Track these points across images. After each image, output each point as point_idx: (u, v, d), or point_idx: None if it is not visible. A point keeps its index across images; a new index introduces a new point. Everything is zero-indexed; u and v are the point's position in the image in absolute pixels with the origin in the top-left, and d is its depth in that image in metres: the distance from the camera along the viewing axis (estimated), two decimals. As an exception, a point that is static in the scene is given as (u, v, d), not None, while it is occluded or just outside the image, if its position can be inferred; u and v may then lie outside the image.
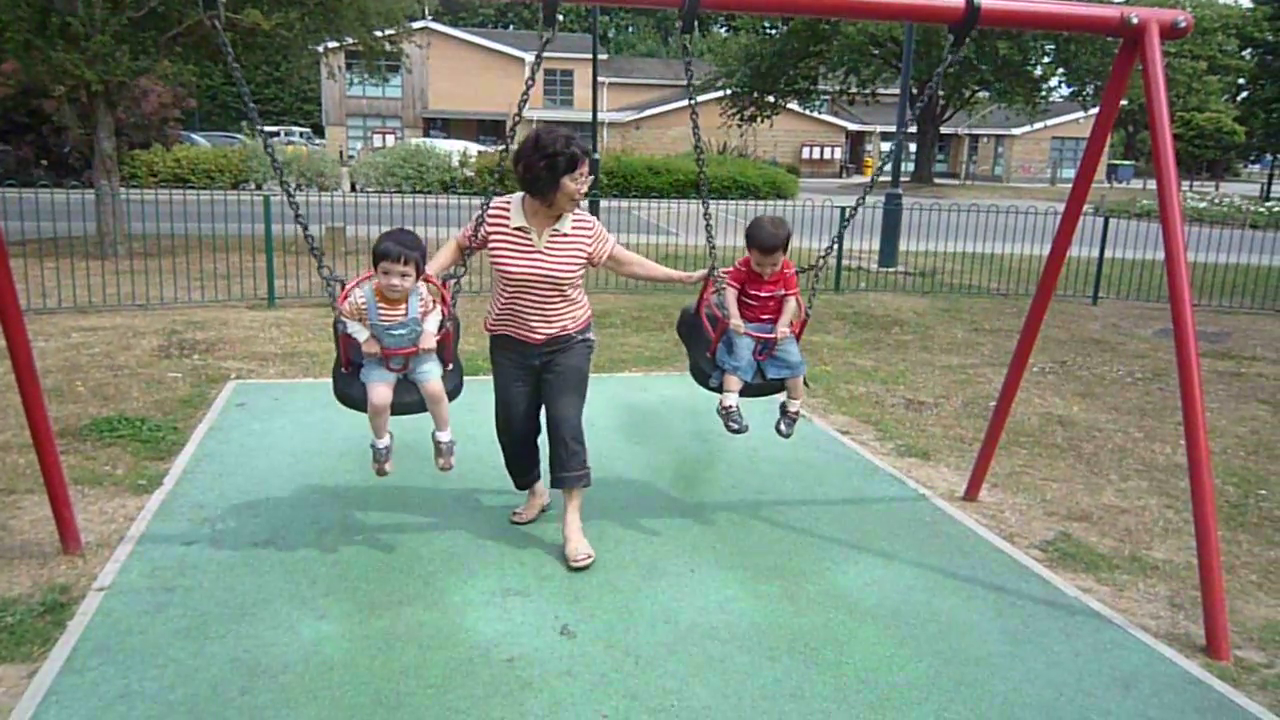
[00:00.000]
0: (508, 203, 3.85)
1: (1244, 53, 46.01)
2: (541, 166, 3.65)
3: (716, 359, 4.02)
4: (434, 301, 3.65)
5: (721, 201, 22.46)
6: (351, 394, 3.72)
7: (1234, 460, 5.73)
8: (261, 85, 50.14)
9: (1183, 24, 3.57)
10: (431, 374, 3.67)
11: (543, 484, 4.45)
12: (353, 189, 23.35)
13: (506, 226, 3.81)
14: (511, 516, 4.41)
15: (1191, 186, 41.34)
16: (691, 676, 3.15)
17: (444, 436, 3.80)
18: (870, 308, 10.48)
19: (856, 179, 46.25)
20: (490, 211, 3.83)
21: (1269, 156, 39.70)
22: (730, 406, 3.98)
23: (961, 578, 3.98)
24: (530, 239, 3.81)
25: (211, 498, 4.47)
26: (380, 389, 3.62)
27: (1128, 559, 4.29)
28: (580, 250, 3.87)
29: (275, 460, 5.01)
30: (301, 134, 44.92)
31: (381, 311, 3.56)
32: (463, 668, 3.15)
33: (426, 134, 39.07)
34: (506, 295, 3.88)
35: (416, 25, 20.55)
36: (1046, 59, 36.49)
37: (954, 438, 5.96)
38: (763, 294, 4.02)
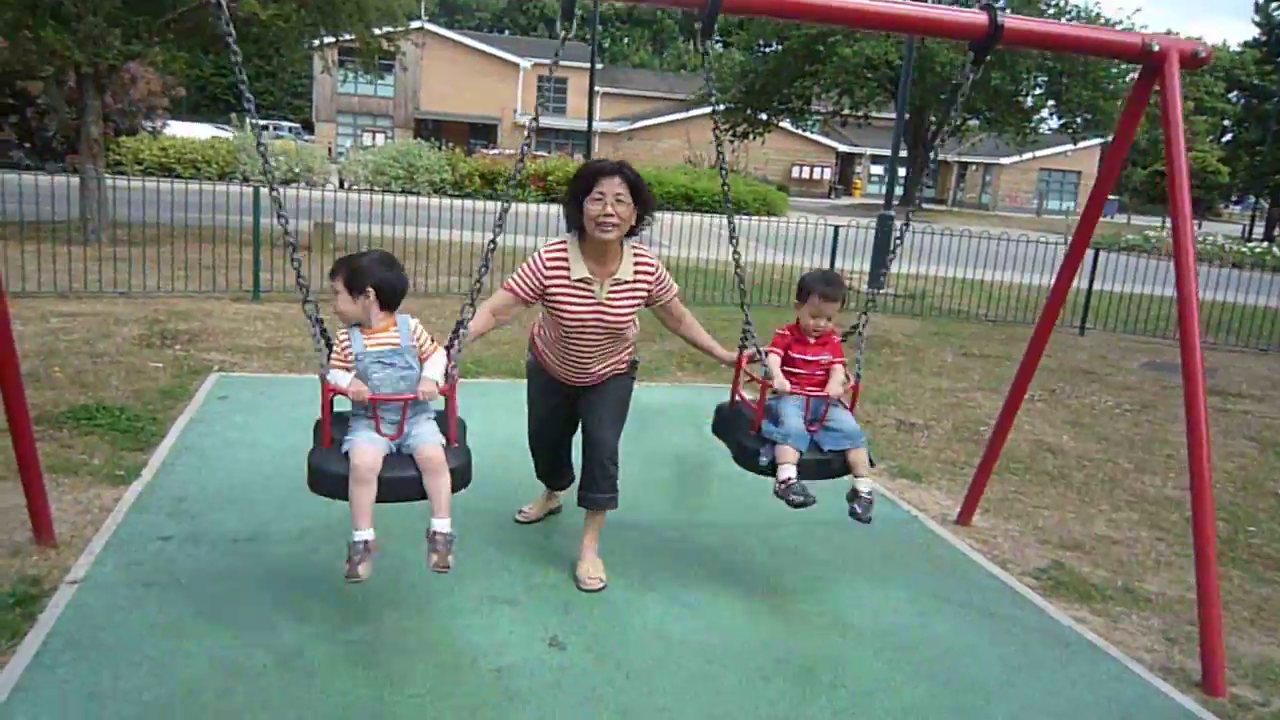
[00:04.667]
0: (564, 249, 3.51)
1: (1230, 95, 46.75)
2: (569, 193, 3.45)
3: (763, 432, 3.53)
4: (434, 344, 3.18)
5: (711, 216, 22.42)
6: (331, 468, 3.00)
7: (1223, 496, 5.71)
8: (252, 78, 49.03)
9: (1203, 54, 3.55)
10: (430, 438, 3.06)
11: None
12: (341, 186, 23.19)
13: (568, 277, 3.50)
14: (516, 515, 4.33)
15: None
16: (684, 694, 3.07)
17: (443, 527, 3.01)
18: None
19: (845, 200, 46.47)
20: (549, 258, 3.50)
21: (1252, 199, 40.19)
22: (788, 480, 3.39)
23: (956, 602, 3.92)
24: (592, 289, 3.52)
25: (191, 491, 4.35)
26: (366, 450, 2.96)
27: (1121, 590, 4.25)
28: (642, 294, 3.63)
29: (257, 455, 4.89)
30: (291, 129, 44.65)
31: (368, 340, 3.09)
32: (448, 678, 3.06)
33: (417, 135, 38.91)
34: (561, 338, 3.65)
35: (413, 25, 20.44)
36: (1038, 90, 36.81)
37: (945, 461, 5.92)
38: (809, 357, 3.63)
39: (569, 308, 3.52)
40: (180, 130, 26.09)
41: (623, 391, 3.86)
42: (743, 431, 3.61)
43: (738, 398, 3.84)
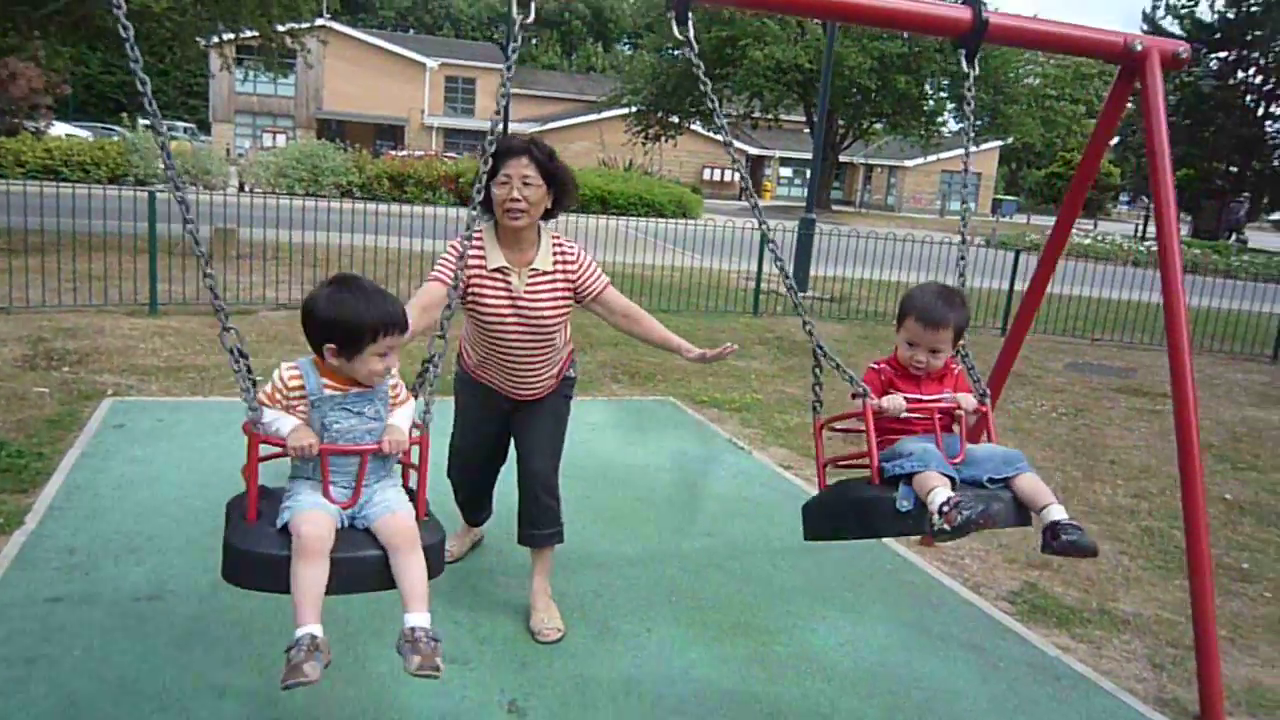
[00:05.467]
0: (481, 237, 3.20)
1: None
2: (483, 176, 2.83)
3: (887, 471, 2.65)
4: (407, 394, 2.54)
5: (625, 219, 22.20)
6: (261, 550, 2.25)
7: (1174, 502, 5.65)
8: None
9: (1184, 55, 3.39)
10: (397, 505, 2.37)
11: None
12: (241, 189, 22.15)
13: (484, 267, 3.19)
14: None
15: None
16: (665, 764, 2.74)
17: (421, 621, 2.29)
18: (791, 332, 10.30)
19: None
20: (474, 245, 3.13)
21: (1144, 198, 41.96)
22: (949, 499, 2.48)
23: (936, 635, 3.68)
24: (510, 280, 3.20)
25: (83, 540, 3.82)
26: (314, 516, 2.25)
27: (1097, 612, 4.08)
28: (563, 286, 3.27)
29: (160, 494, 4.37)
30: (186, 129, 42.77)
31: (328, 387, 2.37)
32: (396, 758, 2.66)
33: (321, 135, 37.64)
34: (485, 341, 3.30)
35: (316, 22, 19.63)
36: (943, 94, 37.70)
37: (898, 474, 5.72)
38: (925, 397, 2.78)
39: (485, 301, 3.20)
40: (61, 132, 24.64)
41: (557, 413, 3.52)
42: (860, 490, 2.73)
43: (822, 458, 2.95)
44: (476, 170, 2.76)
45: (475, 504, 3.87)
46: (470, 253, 3.10)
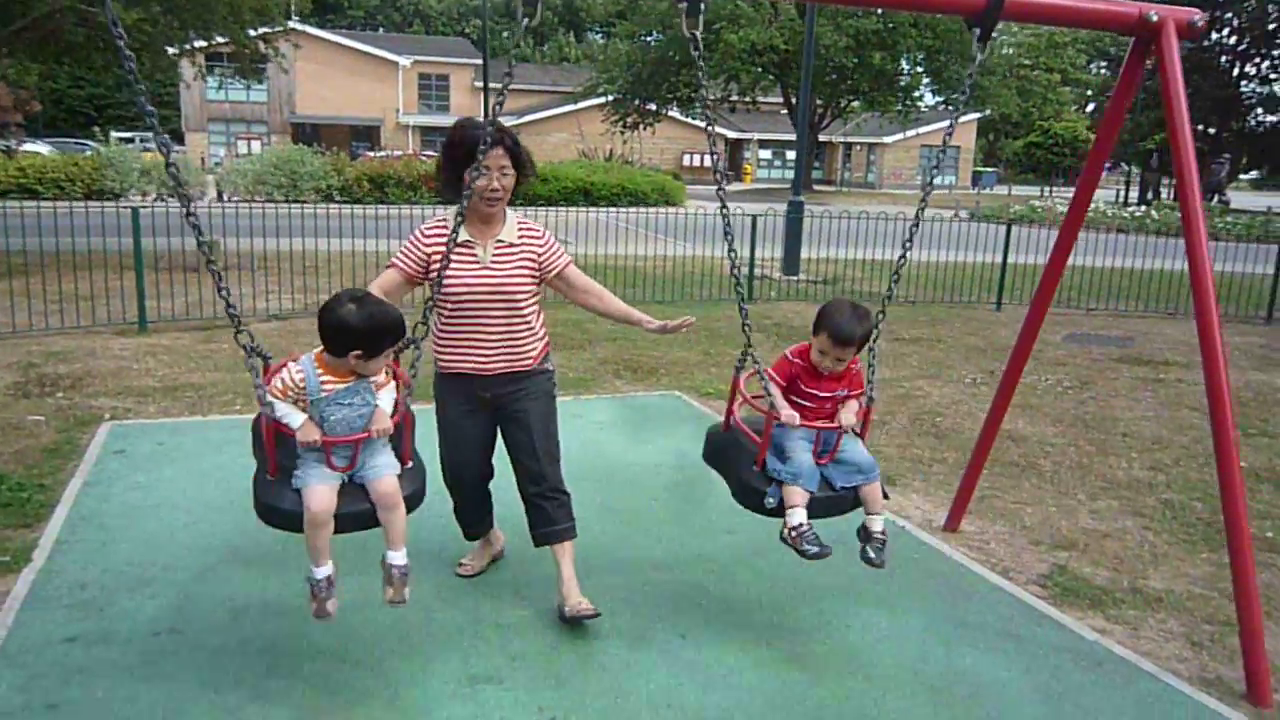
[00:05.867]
0: (444, 220, 3.35)
1: (1091, 66, 48.86)
2: (445, 162, 3.29)
3: (768, 469, 3.13)
4: (386, 373, 2.91)
5: (611, 210, 22.05)
6: (282, 506, 2.78)
7: (1190, 473, 5.63)
8: (112, 89, 47.04)
9: (1200, 23, 3.32)
10: (385, 470, 2.85)
11: (497, 529, 3.90)
12: (219, 198, 21.91)
13: (452, 241, 3.18)
14: (457, 569, 3.85)
15: (1052, 192, 43.38)
16: (715, 778, 2.67)
17: (398, 559, 2.87)
18: (788, 318, 10.23)
19: (737, 186, 46.70)
20: (428, 230, 3.36)
21: (1124, 165, 42.07)
22: (800, 527, 3.05)
23: (973, 625, 3.63)
24: (475, 252, 3.32)
25: (94, 574, 3.72)
26: (320, 492, 2.74)
27: (1129, 591, 4.04)
28: (529, 258, 3.39)
29: (168, 521, 4.26)
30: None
31: (326, 382, 2.77)
32: (440, 788, 2.59)
33: (296, 140, 37.28)
34: (456, 321, 3.35)
35: (288, 24, 19.38)
36: (919, 69, 37.61)
37: (912, 459, 5.67)
38: (822, 394, 3.19)
39: (454, 275, 3.26)
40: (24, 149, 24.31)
41: (545, 414, 3.51)
42: (745, 467, 3.20)
43: (733, 421, 3.38)
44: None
45: (473, 512, 3.75)
46: (432, 233, 3.32)
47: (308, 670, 3.11)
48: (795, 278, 13.42)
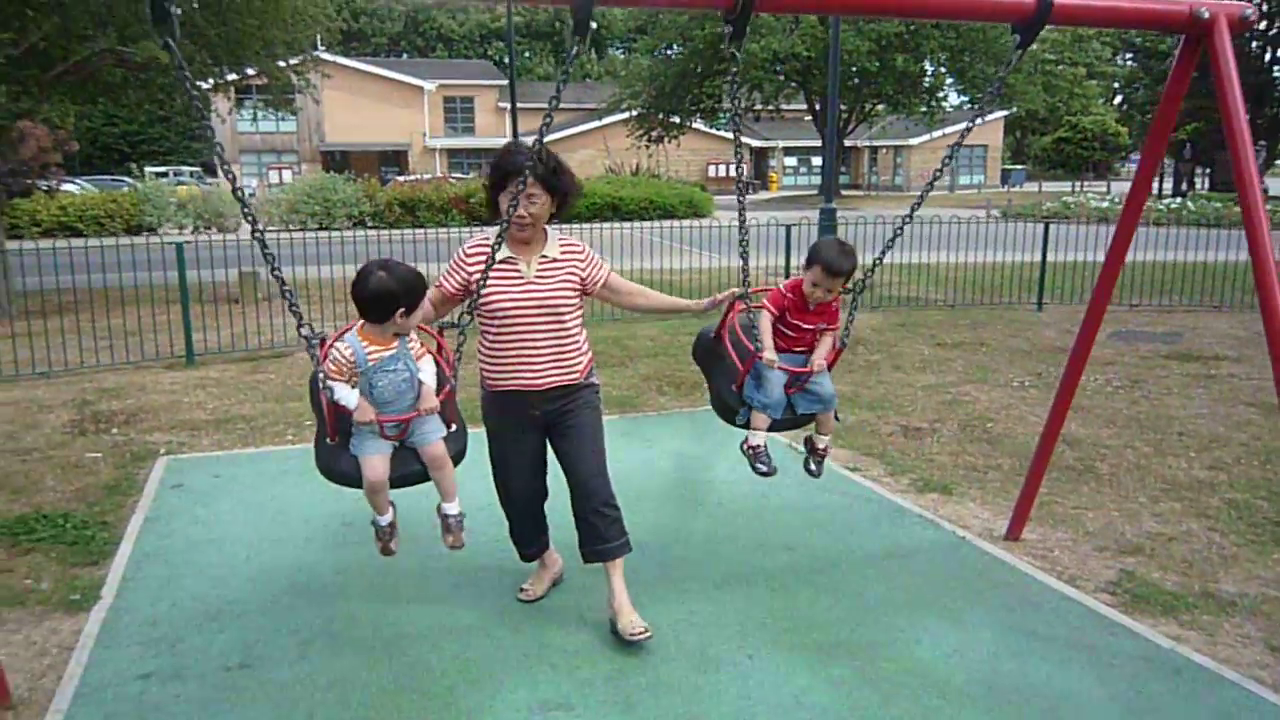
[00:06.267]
0: (487, 238, 3.35)
1: (1117, 59, 48.36)
2: (488, 183, 3.42)
3: (744, 394, 3.57)
4: (422, 348, 3.18)
5: (641, 224, 22.07)
6: (341, 468, 3.12)
7: (1252, 471, 5.51)
8: (145, 125, 47.89)
9: (1251, 16, 3.26)
10: (433, 436, 3.14)
11: (554, 551, 3.90)
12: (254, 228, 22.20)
13: (493, 260, 3.23)
14: (519, 594, 3.84)
15: (1083, 187, 42.88)
16: (795, 802, 2.64)
17: (451, 509, 3.27)
18: (827, 327, 10.16)
19: (764, 194, 46.61)
20: (470, 249, 3.44)
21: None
22: (758, 446, 3.57)
23: (1043, 636, 3.57)
24: (518, 268, 3.39)
25: (163, 610, 3.76)
26: (375, 463, 3.06)
27: (1200, 596, 3.95)
28: (571, 273, 3.45)
29: (230, 554, 4.31)
30: (192, 173, 42.99)
31: (371, 352, 3.01)
32: (520, 819, 2.58)
33: (326, 168, 37.73)
34: (504, 338, 3.40)
35: (316, 54, 19.65)
36: (943, 69, 37.36)
37: (966, 466, 5.61)
38: (805, 325, 3.58)
39: (499, 293, 3.34)
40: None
41: (593, 427, 3.55)
42: (724, 382, 3.64)
43: (729, 335, 3.65)
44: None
45: (529, 533, 3.77)
46: (474, 251, 3.40)
47: (378, 702, 3.12)
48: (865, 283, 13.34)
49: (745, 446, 3.61)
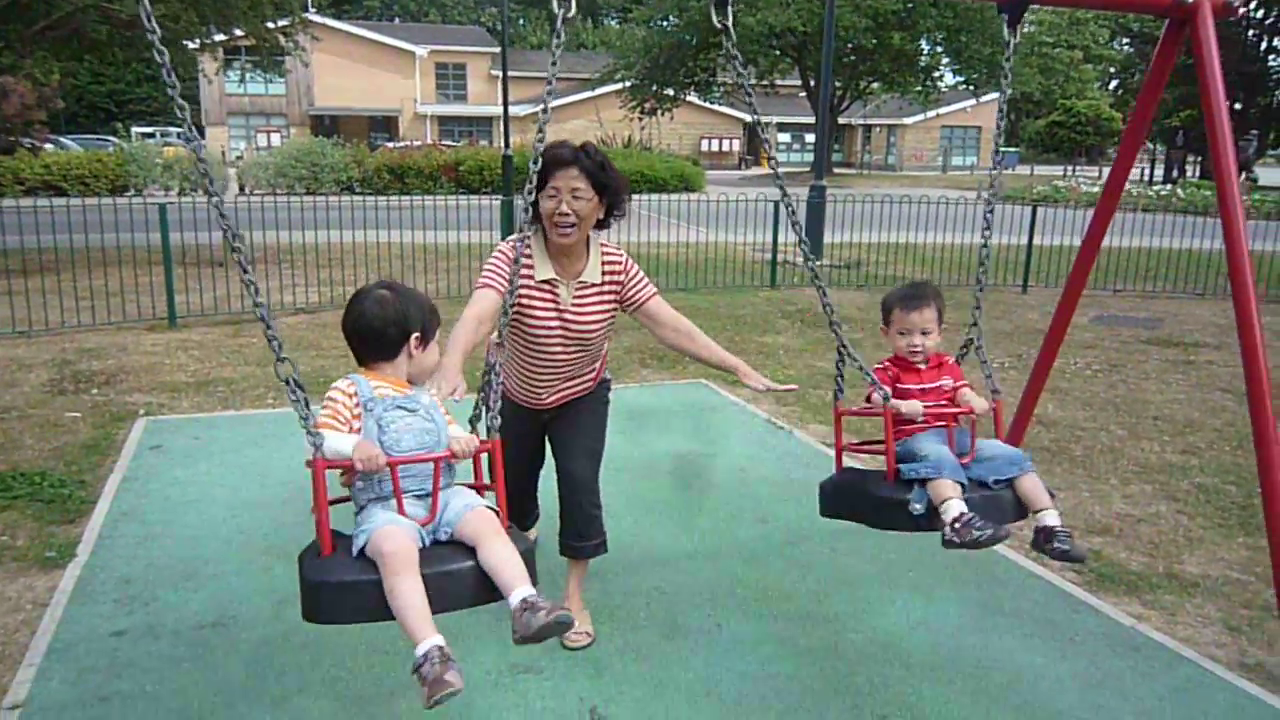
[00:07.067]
0: (528, 246, 3.00)
1: (1114, 43, 48.22)
2: (528, 184, 2.72)
3: (904, 473, 2.79)
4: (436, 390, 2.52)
5: (632, 196, 21.89)
6: (344, 578, 2.16)
7: (1224, 456, 5.58)
8: (132, 84, 47.39)
9: (1235, 3, 3.27)
10: (474, 503, 2.33)
11: (534, 530, 3.92)
12: (241, 191, 22.05)
13: (532, 278, 3.05)
14: None
15: (1075, 171, 42.91)
16: (756, 766, 2.70)
17: (528, 593, 2.20)
18: (813, 303, 10.20)
19: (755, 170, 46.50)
20: (513, 257, 2.90)
21: (1148, 143, 41.50)
22: (963, 515, 2.64)
23: (1009, 612, 3.63)
24: (558, 292, 3.09)
25: (138, 569, 3.78)
26: (393, 531, 2.16)
27: (1164, 576, 4.02)
28: (610, 297, 3.17)
29: (208, 515, 4.33)
30: (179, 134, 42.62)
31: (379, 388, 2.34)
32: (486, 778, 2.62)
33: (315, 132, 37.43)
34: (524, 356, 3.19)
35: (307, 16, 19.43)
36: (939, 48, 37.24)
37: (942, 445, 5.66)
38: (925, 385, 2.98)
39: (534, 314, 3.07)
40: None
41: (597, 415, 3.41)
42: (876, 485, 2.87)
43: (841, 451, 3.11)
44: (527, 173, 2.68)
45: (522, 511, 3.77)
46: (519, 267, 2.87)
47: (351, 662, 3.16)
48: (817, 262, 13.37)
49: (948, 534, 2.64)
